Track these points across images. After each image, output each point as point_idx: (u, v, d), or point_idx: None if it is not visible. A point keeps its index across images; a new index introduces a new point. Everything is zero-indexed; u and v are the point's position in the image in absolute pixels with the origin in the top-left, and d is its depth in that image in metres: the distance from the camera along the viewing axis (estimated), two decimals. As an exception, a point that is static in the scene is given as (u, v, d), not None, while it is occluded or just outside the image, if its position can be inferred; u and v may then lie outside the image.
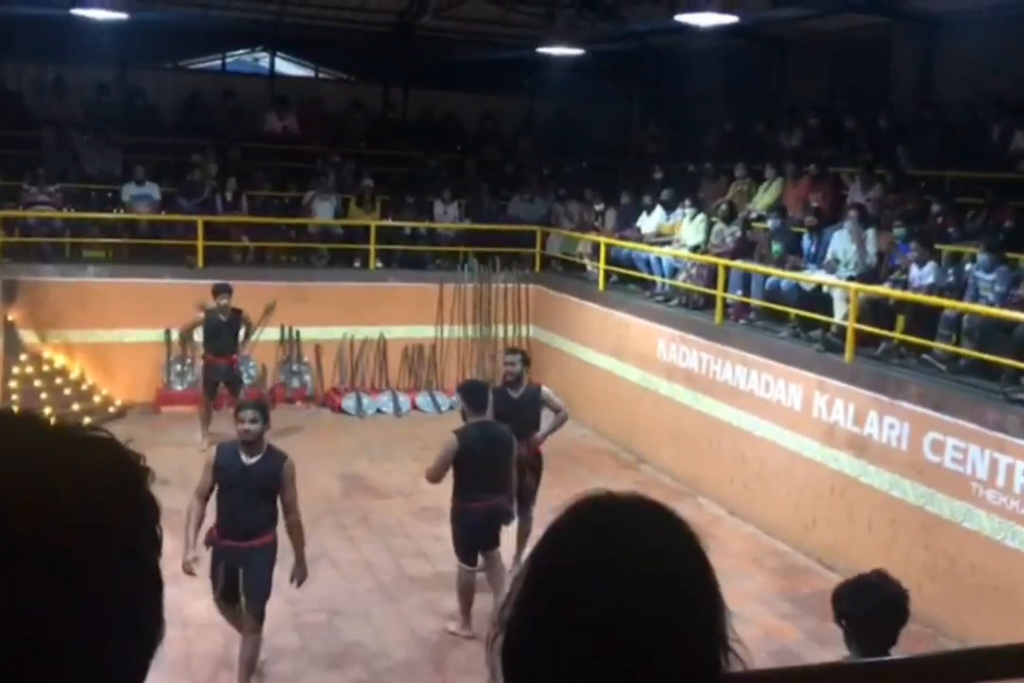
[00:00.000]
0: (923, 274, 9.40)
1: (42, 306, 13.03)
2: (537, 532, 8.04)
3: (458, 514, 7.59)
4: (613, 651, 1.06)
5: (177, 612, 7.90)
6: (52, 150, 14.98)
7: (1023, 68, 12.18)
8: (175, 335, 13.20)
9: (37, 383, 12.66)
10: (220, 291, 11.79)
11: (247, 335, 12.26)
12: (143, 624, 0.91)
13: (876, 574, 4.08)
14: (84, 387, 13.14)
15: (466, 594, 7.71)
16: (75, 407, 12.65)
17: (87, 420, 12.55)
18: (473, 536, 7.62)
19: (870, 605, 3.83)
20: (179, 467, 11.32)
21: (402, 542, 9.55)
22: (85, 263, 13.85)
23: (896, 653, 3.76)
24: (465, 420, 7.65)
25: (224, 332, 11.88)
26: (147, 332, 13.59)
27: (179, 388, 13.76)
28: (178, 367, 13.75)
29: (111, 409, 13.12)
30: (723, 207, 12.50)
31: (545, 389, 8.92)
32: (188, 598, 8.06)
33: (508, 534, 8.98)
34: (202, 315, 11.85)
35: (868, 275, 10.03)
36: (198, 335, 12.30)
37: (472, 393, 7.78)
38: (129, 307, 13.34)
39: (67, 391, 12.86)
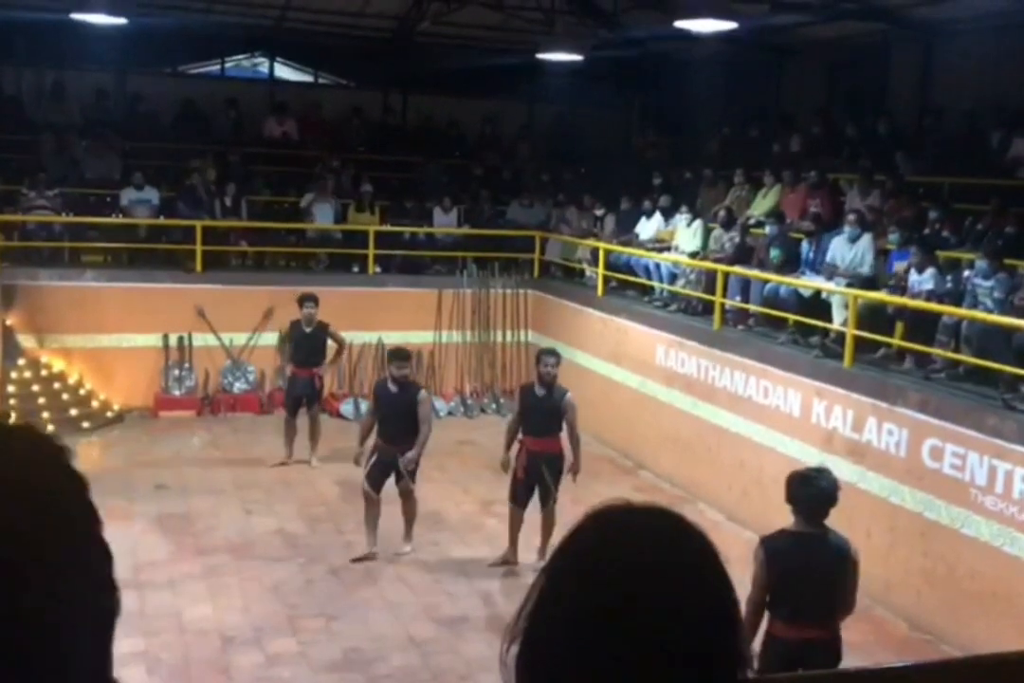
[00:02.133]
0: (922, 280, 9.40)
1: (40, 311, 13.03)
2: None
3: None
4: (631, 663, 1.05)
5: (175, 617, 7.90)
6: (51, 155, 14.98)
7: (1021, 75, 12.21)
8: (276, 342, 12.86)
9: (35, 388, 12.65)
10: (305, 301, 11.59)
11: (338, 351, 12.04)
12: (91, 592, 0.94)
13: (817, 471, 5.52)
14: (82, 392, 13.12)
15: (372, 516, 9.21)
16: (73, 412, 12.65)
17: (85, 425, 12.57)
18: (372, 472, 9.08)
19: (810, 494, 5.36)
20: (177, 472, 11.36)
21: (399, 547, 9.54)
22: (84, 268, 13.82)
23: (827, 523, 5.42)
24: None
25: (307, 343, 11.64)
26: (145, 337, 13.59)
27: (177, 393, 13.76)
28: (176, 372, 13.74)
29: (109, 414, 13.11)
30: (721, 213, 12.51)
31: (569, 396, 8.70)
32: (185, 603, 8.09)
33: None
34: (288, 327, 11.76)
35: (866, 282, 10.03)
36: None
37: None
38: (127, 312, 13.35)
39: (65, 396, 12.85)
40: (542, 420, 8.67)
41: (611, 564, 1.10)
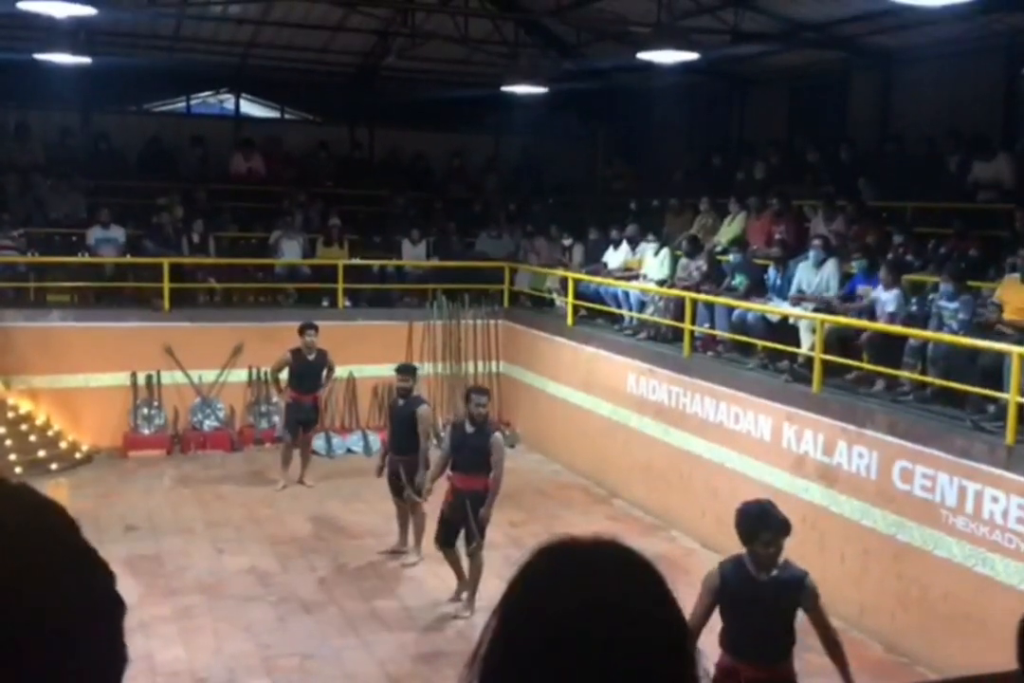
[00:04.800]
0: (886, 301, 9.49)
1: (6, 352, 12.90)
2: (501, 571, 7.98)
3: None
4: None
5: (146, 660, 7.76)
6: (15, 195, 14.90)
7: (977, 100, 12.43)
8: (266, 376, 13.27)
9: (2, 430, 12.47)
10: (306, 329, 11.94)
11: (328, 377, 12.28)
12: (97, 650, 0.93)
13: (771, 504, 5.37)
14: (50, 433, 12.97)
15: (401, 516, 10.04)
16: (41, 454, 12.49)
17: (54, 466, 12.41)
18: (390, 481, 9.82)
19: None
20: (147, 512, 11.24)
21: (374, 583, 9.46)
22: (50, 308, 13.73)
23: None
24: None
25: (311, 370, 12.00)
26: (113, 376, 13.48)
27: (146, 432, 13.64)
28: (145, 411, 13.63)
29: (78, 455, 12.96)
30: (684, 243, 12.60)
31: (496, 437, 8.61)
32: (157, 646, 7.96)
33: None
34: (288, 355, 11.97)
35: (829, 305, 10.12)
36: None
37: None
38: (95, 351, 13.24)
39: (32, 438, 12.69)
40: (470, 457, 8.51)
41: (561, 600, 1.09)
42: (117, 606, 0.97)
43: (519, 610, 1.12)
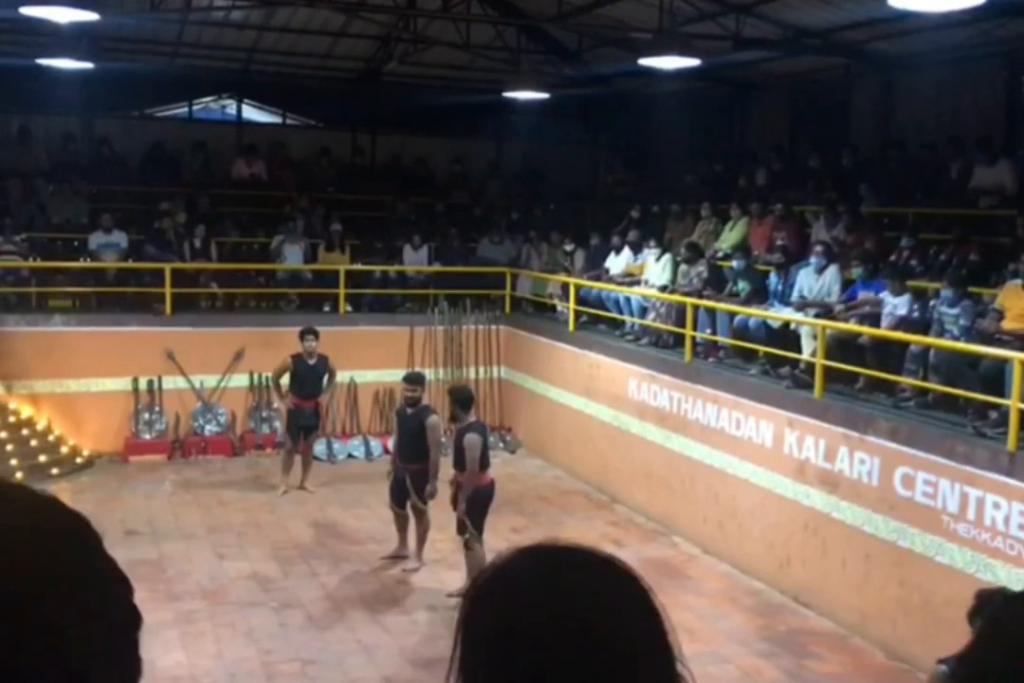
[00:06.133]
0: (898, 303, 9.48)
1: (8, 357, 12.91)
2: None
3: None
4: None
5: (147, 666, 7.67)
6: (18, 200, 14.92)
7: (979, 106, 12.44)
8: (267, 381, 13.25)
9: (3, 435, 12.48)
10: (306, 334, 11.93)
11: (329, 382, 12.28)
12: (115, 663, 0.94)
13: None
14: (51, 438, 12.97)
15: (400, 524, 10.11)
16: (42, 458, 12.49)
17: (55, 471, 12.40)
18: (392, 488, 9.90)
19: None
20: (148, 517, 11.23)
21: (375, 589, 9.46)
22: (52, 312, 13.74)
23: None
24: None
25: (311, 376, 11.99)
26: (115, 381, 13.49)
27: (147, 437, 13.63)
28: (146, 416, 13.62)
29: (79, 460, 12.96)
30: (683, 250, 12.59)
31: (468, 437, 8.82)
32: (158, 652, 7.95)
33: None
34: (289, 360, 11.97)
35: (831, 311, 10.12)
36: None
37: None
38: (96, 356, 13.25)
39: (34, 442, 12.69)
40: (456, 458, 9.04)
41: (518, 611, 1.08)
42: (135, 619, 0.98)
43: (477, 624, 1.12)
